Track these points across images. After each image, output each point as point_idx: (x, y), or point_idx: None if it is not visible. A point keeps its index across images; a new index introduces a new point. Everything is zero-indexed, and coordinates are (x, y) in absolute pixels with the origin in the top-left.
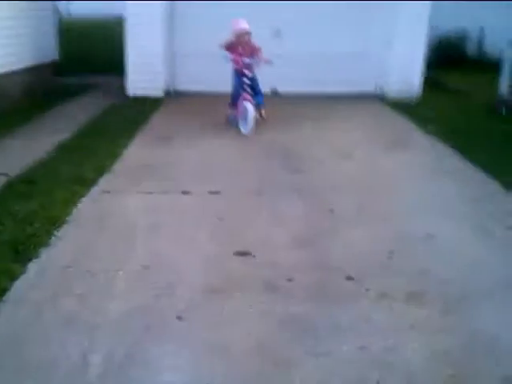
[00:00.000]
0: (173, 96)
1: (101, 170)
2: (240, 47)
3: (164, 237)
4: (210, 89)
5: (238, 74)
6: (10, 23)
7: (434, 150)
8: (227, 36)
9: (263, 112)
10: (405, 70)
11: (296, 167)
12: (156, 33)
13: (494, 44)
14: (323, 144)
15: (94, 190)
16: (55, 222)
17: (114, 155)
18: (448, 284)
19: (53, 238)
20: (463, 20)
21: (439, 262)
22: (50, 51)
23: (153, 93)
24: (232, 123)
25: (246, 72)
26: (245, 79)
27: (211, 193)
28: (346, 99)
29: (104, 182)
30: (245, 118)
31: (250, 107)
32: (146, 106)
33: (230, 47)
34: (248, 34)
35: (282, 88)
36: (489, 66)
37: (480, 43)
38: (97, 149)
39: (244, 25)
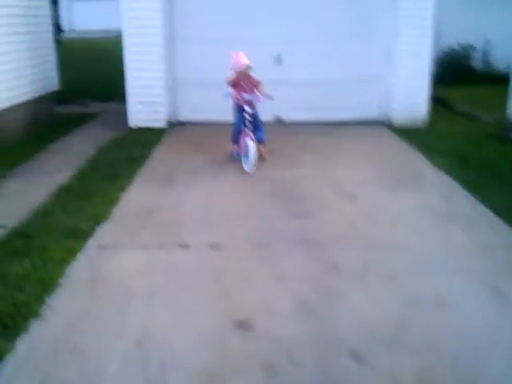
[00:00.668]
0: (175, 127)
1: (98, 219)
2: (241, 82)
3: (159, 305)
4: (214, 119)
5: (239, 110)
6: (10, 57)
7: (443, 188)
8: (229, 63)
9: (263, 150)
10: (410, 92)
11: (299, 212)
12: (157, 58)
13: (501, 55)
14: (327, 182)
15: (90, 245)
16: (47, 286)
17: (112, 200)
18: (461, 362)
19: (44, 306)
20: (468, 32)
21: (450, 333)
22: (51, 81)
23: (155, 124)
24: (235, 159)
25: (247, 108)
26: (246, 115)
27: (210, 246)
28: (350, 126)
29: (100, 235)
30: (247, 155)
31: (251, 144)
32: (147, 140)
33: (233, 81)
34: (248, 67)
35: (285, 115)
36: (496, 79)
37: (486, 55)
38: (96, 192)
39: (244, 59)
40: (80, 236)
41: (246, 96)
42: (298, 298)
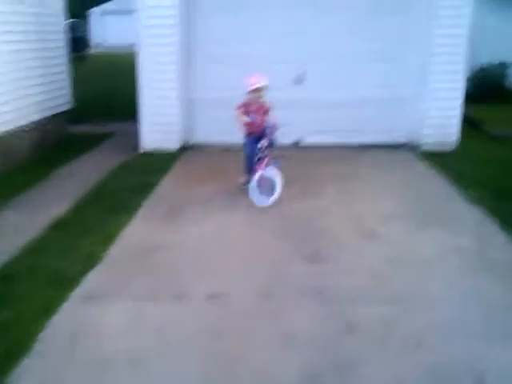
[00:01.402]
0: (189, 150)
1: (89, 261)
2: (254, 106)
3: (142, 375)
4: (231, 141)
5: (252, 138)
6: (18, 75)
7: (478, 228)
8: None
9: None
10: (441, 114)
11: (314, 252)
12: (172, 77)
13: None
14: (346, 216)
15: (76, 294)
16: (21, 346)
17: (110, 237)
18: None
19: (13, 372)
20: (503, 50)
21: None
22: (63, 100)
23: (168, 146)
24: (246, 191)
25: (263, 140)
26: (263, 142)
27: (210, 297)
28: (376, 151)
29: (88, 281)
30: (267, 187)
31: (273, 174)
32: (157, 165)
33: (244, 106)
34: (261, 90)
35: (306, 138)
36: None
37: None
38: (93, 228)
39: (258, 80)
40: (66, 282)
41: (266, 123)
42: (307, 365)
